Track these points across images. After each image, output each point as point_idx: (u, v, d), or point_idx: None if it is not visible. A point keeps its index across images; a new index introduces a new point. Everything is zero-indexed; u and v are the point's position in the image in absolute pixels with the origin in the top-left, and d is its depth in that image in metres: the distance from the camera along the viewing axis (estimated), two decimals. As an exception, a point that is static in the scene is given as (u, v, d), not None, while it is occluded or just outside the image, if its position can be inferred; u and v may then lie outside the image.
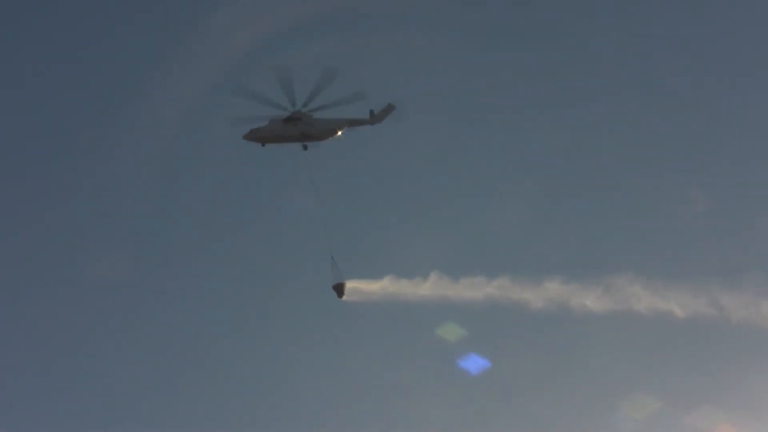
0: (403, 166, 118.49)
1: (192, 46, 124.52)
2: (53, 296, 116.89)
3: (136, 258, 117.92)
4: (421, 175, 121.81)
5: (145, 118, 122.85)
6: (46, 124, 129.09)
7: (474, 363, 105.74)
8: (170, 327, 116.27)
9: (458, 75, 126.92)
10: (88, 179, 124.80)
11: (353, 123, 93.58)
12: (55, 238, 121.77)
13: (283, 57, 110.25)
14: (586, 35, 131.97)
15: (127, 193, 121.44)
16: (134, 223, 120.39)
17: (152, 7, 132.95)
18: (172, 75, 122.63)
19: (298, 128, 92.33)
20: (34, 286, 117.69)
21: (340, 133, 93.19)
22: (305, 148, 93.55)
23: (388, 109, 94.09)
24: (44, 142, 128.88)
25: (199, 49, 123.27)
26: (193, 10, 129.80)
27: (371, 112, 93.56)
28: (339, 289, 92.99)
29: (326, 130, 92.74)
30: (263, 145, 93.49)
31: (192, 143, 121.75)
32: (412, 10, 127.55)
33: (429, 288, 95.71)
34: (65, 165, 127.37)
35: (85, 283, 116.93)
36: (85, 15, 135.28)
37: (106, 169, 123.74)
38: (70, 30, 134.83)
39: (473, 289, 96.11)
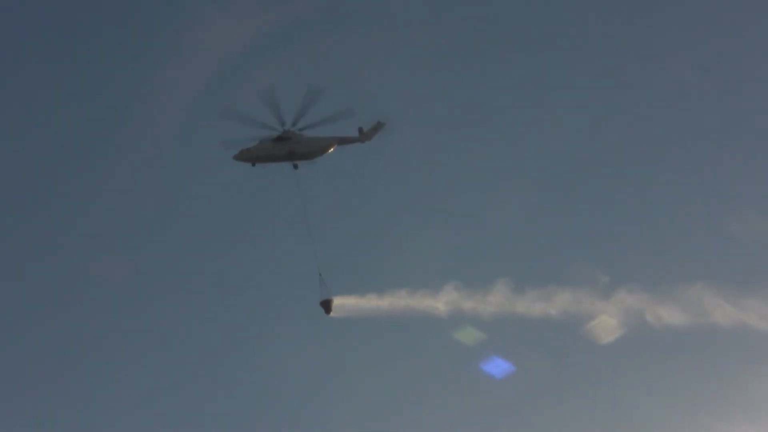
0: (395, 182, 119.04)
1: (178, 65, 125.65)
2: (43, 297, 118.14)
3: (130, 273, 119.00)
4: (424, 188, 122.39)
5: (133, 140, 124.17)
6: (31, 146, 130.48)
7: (498, 367, 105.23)
8: (163, 343, 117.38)
9: (448, 83, 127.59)
10: (79, 198, 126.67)
11: (343, 141, 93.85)
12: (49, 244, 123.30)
13: (268, 73, 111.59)
14: (580, 35, 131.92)
15: (118, 214, 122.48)
16: (127, 239, 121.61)
17: (136, 24, 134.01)
18: (159, 95, 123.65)
19: (288, 147, 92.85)
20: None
21: (331, 150, 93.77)
22: (296, 167, 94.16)
23: (378, 127, 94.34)
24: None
25: (185, 69, 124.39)
26: (177, 27, 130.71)
27: (360, 129, 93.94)
28: (327, 306, 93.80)
29: (316, 149, 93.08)
30: (253, 164, 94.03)
31: (182, 164, 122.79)
32: (400, 15, 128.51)
33: (494, 299, 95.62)
34: (61, 178, 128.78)
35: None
36: (67, 37, 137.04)
37: (96, 190, 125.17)
38: (55, 48, 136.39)
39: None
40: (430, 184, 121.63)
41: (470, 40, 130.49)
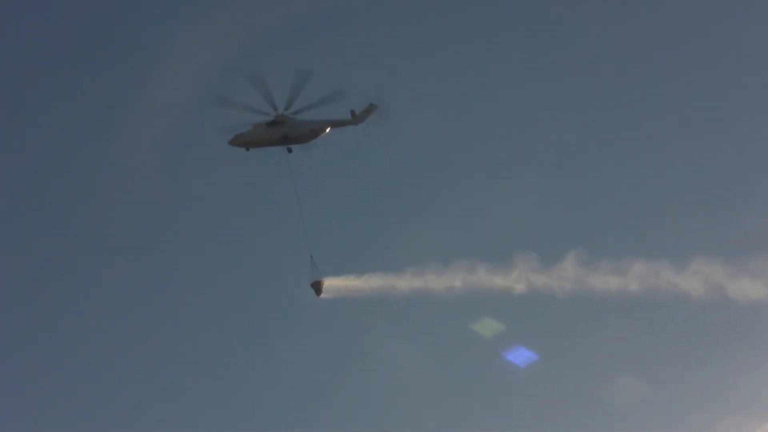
0: (390, 165, 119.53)
1: (173, 55, 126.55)
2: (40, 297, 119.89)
3: (121, 258, 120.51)
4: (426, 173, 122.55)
5: (130, 127, 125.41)
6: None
7: (521, 356, 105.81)
8: (154, 326, 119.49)
9: (443, 72, 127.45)
10: (72, 187, 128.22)
11: (336, 124, 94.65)
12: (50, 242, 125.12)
13: (262, 62, 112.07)
14: (575, 32, 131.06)
15: (115, 199, 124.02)
16: (121, 225, 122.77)
17: (133, 19, 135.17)
18: (155, 85, 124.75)
19: (281, 131, 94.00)
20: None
21: (326, 132, 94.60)
22: (290, 150, 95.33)
23: (370, 109, 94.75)
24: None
25: (181, 58, 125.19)
26: (173, 19, 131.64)
27: (352, 112, 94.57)
28: (317, 287, 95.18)
29: (309, 132, 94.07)
30: (247, 149, 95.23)
31: (177, 150, 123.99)
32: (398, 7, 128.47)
33: (568, 272, 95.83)
34: (59, 170, 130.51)
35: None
36: (64, 32, 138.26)
37: (92, 177, 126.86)
38: (56, 42, 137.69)
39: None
40: (432, 166, 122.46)
41: (461, 21, 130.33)
